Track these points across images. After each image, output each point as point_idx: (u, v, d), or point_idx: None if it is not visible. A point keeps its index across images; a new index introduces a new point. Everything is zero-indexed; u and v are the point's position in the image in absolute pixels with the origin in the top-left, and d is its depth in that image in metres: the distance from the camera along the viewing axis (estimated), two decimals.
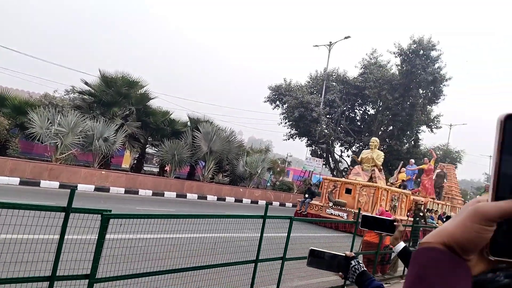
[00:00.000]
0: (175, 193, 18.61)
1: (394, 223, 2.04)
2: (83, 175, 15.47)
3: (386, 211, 11.92)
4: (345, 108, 32.59)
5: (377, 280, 1.66)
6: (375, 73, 30.63)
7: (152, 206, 13.37)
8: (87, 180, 15.47)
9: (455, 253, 0.46)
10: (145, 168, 24.24)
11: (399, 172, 22.54)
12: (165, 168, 21.89)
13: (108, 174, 16.55)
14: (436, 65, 29.17)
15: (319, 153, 31.97)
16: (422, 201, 19.57)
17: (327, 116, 31.12)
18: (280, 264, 5.85)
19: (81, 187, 14.49)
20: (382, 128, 32.34)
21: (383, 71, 31.03)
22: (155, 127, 21.07)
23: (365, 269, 1.64)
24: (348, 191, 17.51)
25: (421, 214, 15.41)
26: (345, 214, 16.22)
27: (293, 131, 31.99)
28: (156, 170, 25.00)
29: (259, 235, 5.58)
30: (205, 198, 19.78)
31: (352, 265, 1.64)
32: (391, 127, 32.05)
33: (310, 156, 31.47)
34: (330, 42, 31.08)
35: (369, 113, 34.27)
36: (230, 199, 21.16)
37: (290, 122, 30.84)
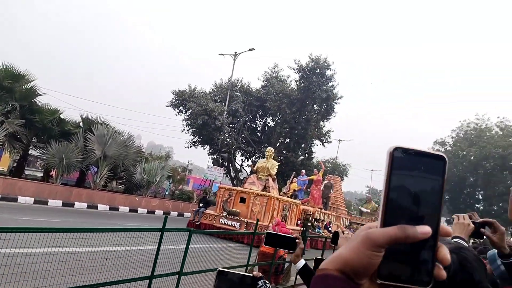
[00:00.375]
0: (61, 201, 16.91)
1: (296, 241, 2.09)
2: None
3: (282, 221, 12.44)
4: (247, 119, 33.41)
5: (269, 284, 1.67)
6: (276, 86, 32.05)
7: (33, 215, 11.92)
8: None
9: (350, 278, 0.48)
10: (26, 172, 21.69)
11: (291, 182, 23.21)
12: (51, 173, 19.84)
13: None
14: (330, 84, 31.68)
15: (220, 162, 32.19)
16: (310, 211, 20.25)
17: (230, 125, 31.56)
18: (177, 280, 5.65)
19: None
20: (280, 140, 33.88)
21: (283, 85, 32.65)
22: (41, 126, 18.93)
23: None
24: (243, 200, 17.38)
25: (309, 223, 16.24)
26: (238, 224, 16.10)
27: (195, 139, 31.71)
28: (40, 174, 22.49)
29: (156, 247, 5.33)
30: (96, 207, 18.35)
31: (259, 286, 1.66)
32: (288, 140, 33.77)
33: (212, 164, 31.51)
34: (235, 52, 31.72)
35: (269, 124, 35.65)
36: (124, 209, 19.93)
37: (193, 129, 30.54)
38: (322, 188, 25.00)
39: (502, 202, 33.97)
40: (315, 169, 27.31)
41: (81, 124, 21.24)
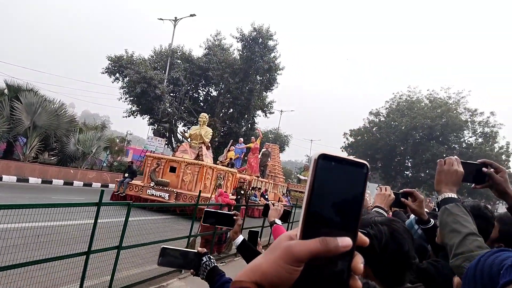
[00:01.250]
0: None
1: (234, 217, 2.12)
2: None
3: (225, 192, 12.57)
4: (189, 88, 32.64)
5: (214, 259, 1.70)
6: (218, 55, 31.48)
7: None
8: None
9: None
10: None
11: (229, 150, 22.73)
12: None
13: None
14: (272, 55, 31.75)
15: (161, 132, 31.38)
16: (244, 179, 19.67)
17: (171, 94, 30.68)
18: (116, 254, 5.55)
19: None
20: (223, 110, 33.69)
21: (226, 54, 32.14)
22: None
23: (215, 264, 1.66)
24: (173, 169, 16.40)
25: (242, 192, 15.74)
26: (166, 195, 15.27)
27: (134, 108, 30.45)
28: None
29: (93, 222, 5.15)
30: (27, 180, 17.22)
31: (203, 261, 1.65)
32: (231, 110, 33.67)
33: (152, 135, 30.62)
34: (176, 18, 30.44)
35: (212, 94, 35.19)
36: (58, 182, 18.90)
37: (131, 98, 29.26)
38: (259, 156, 24.58)
39: (429, 169, 37.01)
40: (252, 137, 26.60)
41: (6, 91, 19.45)
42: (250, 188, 20.27)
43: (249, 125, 35.39)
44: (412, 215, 2.24)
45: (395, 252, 1.25)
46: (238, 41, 31.54)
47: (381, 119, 41.98)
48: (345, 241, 0.44)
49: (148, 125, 32.19)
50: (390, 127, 40.01)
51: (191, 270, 1.67)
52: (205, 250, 1.70)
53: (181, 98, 32.07)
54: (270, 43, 31.36)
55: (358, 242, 0.47)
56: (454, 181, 1.55)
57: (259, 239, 2.51)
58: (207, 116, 19.24)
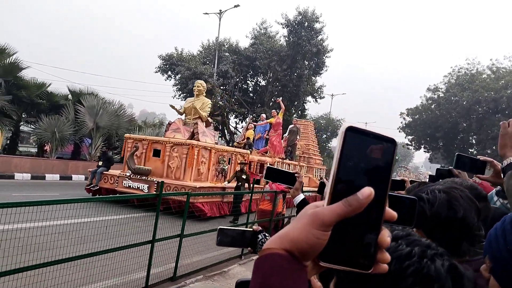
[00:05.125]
0: (58, 175, 16.98)
1: (295, 175, 2.13)
2: None
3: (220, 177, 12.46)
4: (238, 80, 32.96)
5: (269, 236, 1.71)
6: (265, 44, 31.39)
7: (31, 191, 11.99)
8: None
9: (296, 259, 0.47)
10: (20, 149, 21.56)
11: (247, 129, 19.69)
12: (45, 148, 19.75)
13: None
14: (319, 37, 31.05)
15: (214, 125, 32.03)
16: (245, 160, 14.67)
17: (221, 87, 31.19)
18: (178, 242, 5.77)
19: None
20: (273, 99, 33.66)
21: (272, 42, 31.97)
22: (29, 101, 18.65)
23: None
24: (157, 153, 12.84)
25: (244, 176, 11.99)
26: (146, 186, 11.79)
27: None
28: (34, 150, 22.40)
29: (155, 214, 5.40)
30: None
31: (259, 238, 1.68)
32: (281, 98, 33.51)
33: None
34: (220, 10, 30.71)
35: (260, 84, 35.26)
36: None
37: (184, 94, 30.17)
38: (286, 135, 21.26)
39: (495, 145, 34.34)
40: (273, 110, 21.78)
41: (69, 96, 20.88)
42: None
43: (299, 112, 35.06)
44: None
45: (449, 218, 1.19)
46: (283, 27, 31.21)
47: (440, 95, 39.52)
48: (365, 192, 0.45)
49: None
50: (450, 103, 37.58)
51: (249, 248, 1.71)
52: (260, 228, 1.71)
53: (231, 90, 32.47)
54: (317, 25, 30.66)
55: (385, 217, 0.48)
56: None
57: None
58: (204, 84, 15.03)
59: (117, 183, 12.26)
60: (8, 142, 20.28)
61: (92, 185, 12.75)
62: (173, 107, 14.23)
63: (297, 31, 30.02)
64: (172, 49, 31.06)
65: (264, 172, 2.10)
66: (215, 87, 28.63)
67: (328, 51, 32.00)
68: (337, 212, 0.45)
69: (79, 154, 21.46)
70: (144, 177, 12.00)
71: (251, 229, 1.72)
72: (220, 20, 30.65)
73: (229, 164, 14.04)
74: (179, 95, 30.87)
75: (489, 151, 37.12)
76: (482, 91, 34.71)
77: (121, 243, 4.81)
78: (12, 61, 18.22)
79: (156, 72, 31.05)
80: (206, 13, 31.38)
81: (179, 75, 29.45)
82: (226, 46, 32.74)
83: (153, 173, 12.30)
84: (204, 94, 14.67)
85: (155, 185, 11.40)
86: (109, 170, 12.93)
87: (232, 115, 34.15)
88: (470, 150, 39.56)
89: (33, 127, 19.56)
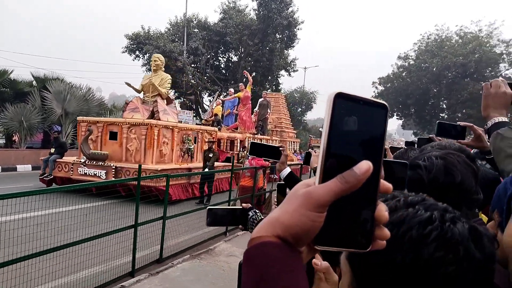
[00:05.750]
0: (30, 166, 16.42)
1: (280, 149, 2.09)
2: None
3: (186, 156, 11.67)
4: (209, 56, 32.33)
5: (260, 212, 1.68)
6: (234, 18, 30.76)
7: (3, 183, 11.53)
8: None
9: (289, 245, 0.43)
10: None
11: (215, 105, 18.88)
12: (13, 138, 18.99)
13: None
14: (290, 9, 30.66)
15: (188, 104, 31.56)
16: (212, 138, 13.45)
17: (192, 65, 30.54)
18: (162, 224, 5.71)
19: None
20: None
21: (242, 16, 31.36)
22: None
23: (262, 217, 1.63)
24: (114, 136, 11.63)
25: (211, 155, 11.01)
26: (103, 172, 10.76)
27: None
28: (1, 141, 21.50)
29: (135, 199, 5.29)
30: None
31: (250, 215, 1.64)
32: (254, 74, 33.19)
33: (180, 108, 30.86)
34: None
35: (232, 60, 34.75)
36: None
37: None
38: (256, 109, 20.32)
39: (465, 109, 35.52)
40: (241, 84, 20.63)
41: (34, 82, 19.99)
42: (241, 149, 15.92)
43: (273, 86, 34.92)
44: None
45: (447, 184, 1.18)
46: (253, 1, 30.61)
47: (411, 63, 40.21)
48: (363, 167, 0.41)
49: (174, 99, 32.38)
50: (421, 70, 38.32)
51: (240, 226, 1.66)
52: (249, 205, 1.67)
53: (203, 68, 31.88)
54: None
55: (381, 189, 0.44)
56: (503, 104, 1.46)
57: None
58: (162, 58, 13.63)
59: (72, 170, 11.21)
60: None
61: (45, 174, 11.65)
62: (129, 84, 12.72)
63: (267, 4, 29.51)
64: (139, 27, 29.98)
65: (248, 147, 2.04)
66: (186, 65, 28.01)
67: (299, 23, 31.71)
68: (333, 190, 0.41)
69: (49, 143, 20.76)
70: (100, 163, 10.93)
71: (241, 207, 1.67)
72: None
73: (195, 143, 13.06)
74: None
75: (459, 115, 38.35)
76: (451, 57, 35.47)
77: (102, 230, 4.71)
78: None
79: (123, 52, 30.03)
80: None
81: (147, 55, 28.56)
82: (195, 22, 31.88)
83: (111, 158, 11.33)
84: (163, 69, 13.46)
85: (113, 170, 10.61)
86: (63, 158, 11.82)
87: (205, 94, 33.66)
88: (441, 115, 40.75)
89: None
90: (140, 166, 5.61)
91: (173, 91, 31.07)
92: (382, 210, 0.44)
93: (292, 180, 2.17)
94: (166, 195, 6.01)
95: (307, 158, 2.53)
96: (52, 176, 11.50)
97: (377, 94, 42.41)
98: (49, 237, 4.14)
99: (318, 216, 0.41)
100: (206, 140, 12.87)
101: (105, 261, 4.73)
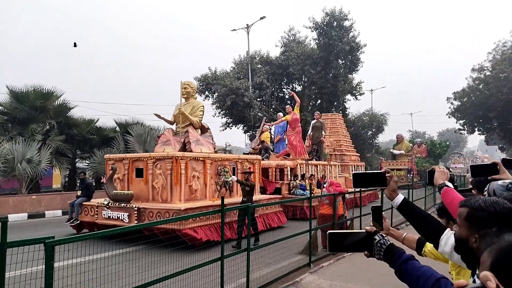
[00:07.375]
0: None
1: (386, 175, 1.91)
2: (12, 204, 14.13)
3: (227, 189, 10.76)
4: (273, 89, 33.04)
5: (387, 236, 1.58)
6: (295, 49, 31.31)
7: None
8: (17, 209, 14.16)
9: None
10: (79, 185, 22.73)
11: (261, 132, 17.49)
12: (102, 181, 20.65)
13: (40, 198, 15.23)
14: (351, 34, 30.54)
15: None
16: (249, 169, 11.57)
17: (258, 99, 31.36)
18: (246, 256, 5.73)
19: (12, 217, 13.17)
20: (311, 103, 33.35)
21: (302, 47, 31.84)
22: (81, 138, 19.76)
23: (391, 242, 1.53)
24: (140, 173, 10.41)
25: (248, 188, 9.28)
26: (126, 215, 9.44)
27: (228, 120, 31.84)
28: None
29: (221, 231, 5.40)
30: None
31: (376, 240, 1.53)
32: (319, 101, 33.13)
33: (250, 141, 31.63)
34: (247, 25, 31.10)
35: (296, 90, 35.10)
36: None
37: (224, 111, 30.65)
38: (310, 132, 18.97)
39: None
40: (287, 106, 18.94)
41: (117, 128, 21.83)
42: (293, 178, 14.79)
43: (340, 111, 34.42)
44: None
45: None
46: (312, 31, 31.11)
47: (487, 74, 37.36)
48: None
49: (244, 133, 33.36)
50: (499, 80, 35.35)
51: (365, 252, 1.55)
52: (374, 228, 1.57)
53: (268, 101, 32.58)
54: (346, 23, 30.30)
55: None
56: None
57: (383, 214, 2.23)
58: (193, 84, 12.24)
59: (97, 214, 10.11)
60: (67, 179, 21.44)
61: (72, 219, 10.64)
62: (158, 116, 11.57)
63: (327, 32, 29.75)
64: (206, 69, 31.77)
65: (352, 180, 1.95)
66: (252, 100, 28.83)
67: (362, 47, 31.39)
68: None
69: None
70: (123, 204, 9.64)
71: (364, 230, 1.57)
72: (248, 34, 31.02)
73: (234, 175, 11.34)
74: (219, 113, 31.43)
75: None
76: None
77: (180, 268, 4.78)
78: (60, 102, 19.42)
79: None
80: (234, 30, 31.87)
81: (216, 94, 29.99)
82: (258, 58, 33.00)
83: (137, 197, 10.07)
84: (195, 96, 12.22)
85: (135, 212, 9.30)
86: (91, 200, 10.82)
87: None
88: None
89: (88, 162, 20.59)
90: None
91: (242, 125, 32.07)
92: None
93: (409, 209, 1.90)
94: (249, 223, 6.04)
95: (431, 176, 2.14)
96: (78, 221, 10.56)
97: (453, 110, 39.82)
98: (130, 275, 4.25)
99: None
100: (239, 171, 11.44)
101: None
